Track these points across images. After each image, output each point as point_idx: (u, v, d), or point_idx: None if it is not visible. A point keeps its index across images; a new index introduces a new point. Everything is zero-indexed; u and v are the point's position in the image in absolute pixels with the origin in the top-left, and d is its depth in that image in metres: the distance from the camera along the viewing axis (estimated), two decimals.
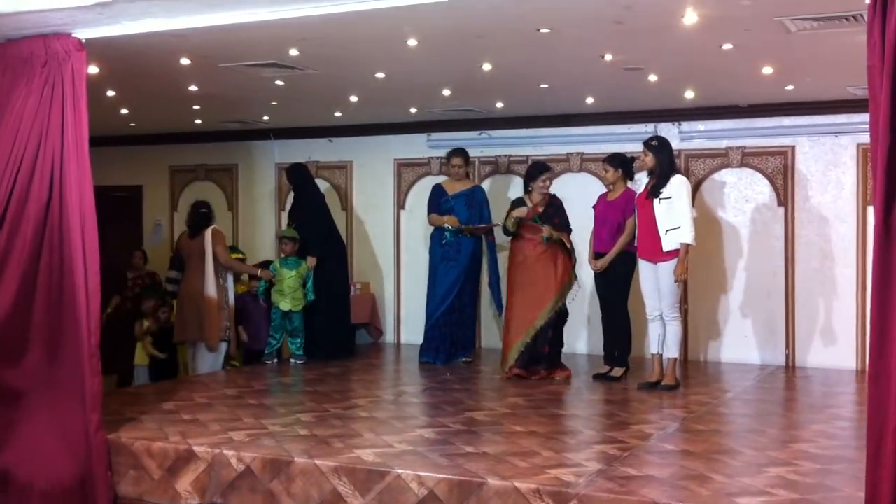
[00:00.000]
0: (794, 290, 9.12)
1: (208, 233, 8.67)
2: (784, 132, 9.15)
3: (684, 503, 4.36)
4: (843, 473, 5.00)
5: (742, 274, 9.31)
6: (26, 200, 5.74)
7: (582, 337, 9.72)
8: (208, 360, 8.64)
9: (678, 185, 7.48)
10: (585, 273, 8.53)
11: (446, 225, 9.03)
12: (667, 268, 7.47)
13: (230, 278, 8.83)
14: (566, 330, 8.30)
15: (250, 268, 9.34)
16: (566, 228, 8.16)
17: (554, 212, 8.16)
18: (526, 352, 8.00)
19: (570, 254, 8.11)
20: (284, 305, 9.04)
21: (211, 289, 8.57)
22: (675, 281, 7.48)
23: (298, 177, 9.79)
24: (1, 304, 5.70)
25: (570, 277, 8.10)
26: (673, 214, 7.43)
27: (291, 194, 10.19)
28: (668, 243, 7.44)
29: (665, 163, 7.57)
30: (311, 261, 9.18)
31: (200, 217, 8.87)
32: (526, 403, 7.05)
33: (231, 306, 8.81)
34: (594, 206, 8.26)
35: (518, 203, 8.32)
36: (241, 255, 9.73)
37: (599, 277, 8.08)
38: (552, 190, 8.34)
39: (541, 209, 8.11)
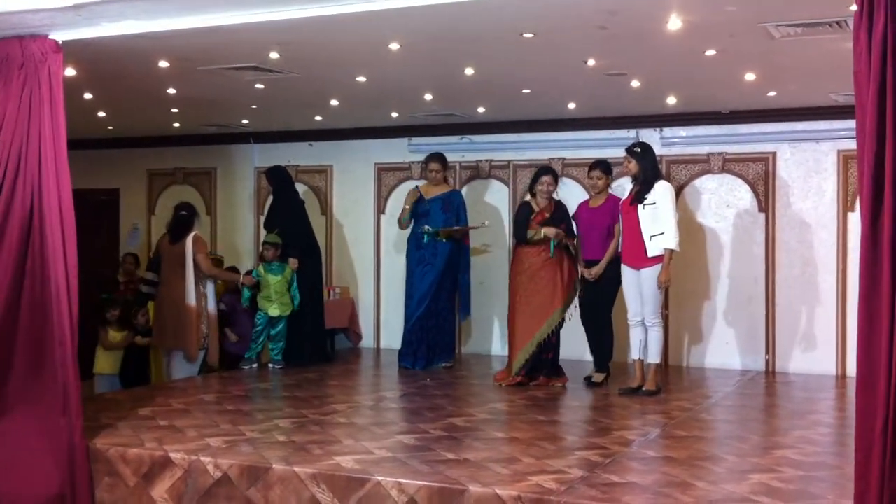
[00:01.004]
0: (774, 295, 9.13)
1: (189, 239, 8.53)
2: (765, 138, 9.17)
3: None
4: (827, 480, 4.98)
5: (723, 280, 9.31)
6: (11, 205, 5.67)
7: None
8: (185, 368, 8.53)
9: (662, 191, 7.47)
10: None
11: (426, 228, 8.99)
12: (650, 273, 7.46)
13: (210, 285, 8.67)
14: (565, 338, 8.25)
15: (233, 276, 9.19)
16: (571, 234, 8.08)
17: (560, 217, 8.10)
18: (531, 360, 7.94)
19: (575, 260, 8.06)
20: (273, 311, 8.95)
21: (191, 298, 8.43)
22: (659, 287, 7.46)
23: (278, 179, 9.73)
24: None
25: (575, 285, 8.04)
26: (657, 220, 7.41)
27: (270, 197, 10.11)
28: (653, 249, 7.42)
29: (649, 168, 7.56)
30: (294, 263, 9.11)
31: (181, 220, 8.74)
32: (507, 409, 7.00)
33: (211, 313, 8.66)
34: (575, 215, 8.22)
35: (524, 207, 8.22)
36: (218, 257, 9.61)
37: (589, 284, 8.03)
38: (557, 195, 8.28)
39: (548, 214, 8.05)
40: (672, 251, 7.41)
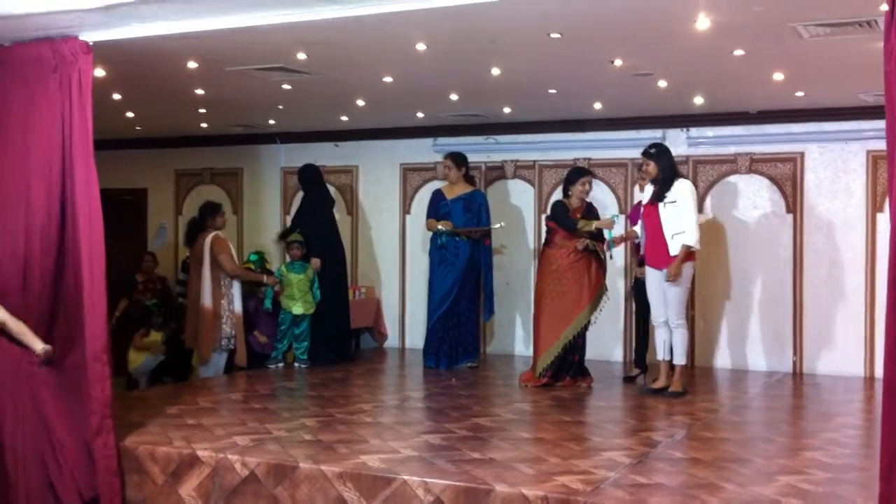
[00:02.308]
0: (802, 297, 9.07)
1: (207, 240, 8.56)
2: (793, 139, 9.10)
3: None
4: (855, 482, 4.95)
5: (750, 281, 9.25)
6: (49, 207, 5.75)
7: (618, 345, 9.73)
8: (210, 367, 8.58)
9: (682, 190, 7.44)
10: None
11: (440, 227, 9.01)
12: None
13: (236, 285, 8.68)
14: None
15: (257, 275, 9.15)
16: (600, 237, 8.04)
17: (591, 218, 8.05)
18: (556, 361, 7.92)
19: (603, 263, 8.03)
20: (297, 309, 8.99)
21: (206, 298, 8.45)
22: (668, 280, 7.39)
23: (305, 178, 9.76)
24: (30, 309, 5.73)
25: (602, 287, 8.01)
26: (678, 218, 7.38)
27: (300, 194, 10.14)
28: (675, 247, 7.39)
29: (667, 168, 7.53)
30: (316, 262, 9.15)
31: (192, 222, 8.89)
32: (532, 409, 7.00)
33: (237, 314, 8.67)
34: (632, 215, 8.16)
35: (557, 206, 8.15)
36: (262, 255, 9.60)
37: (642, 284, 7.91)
38: (560, 194, 8.30)
39: (579, 215, 8.04)
40: (689, 247, 7.35)
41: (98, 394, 5.59)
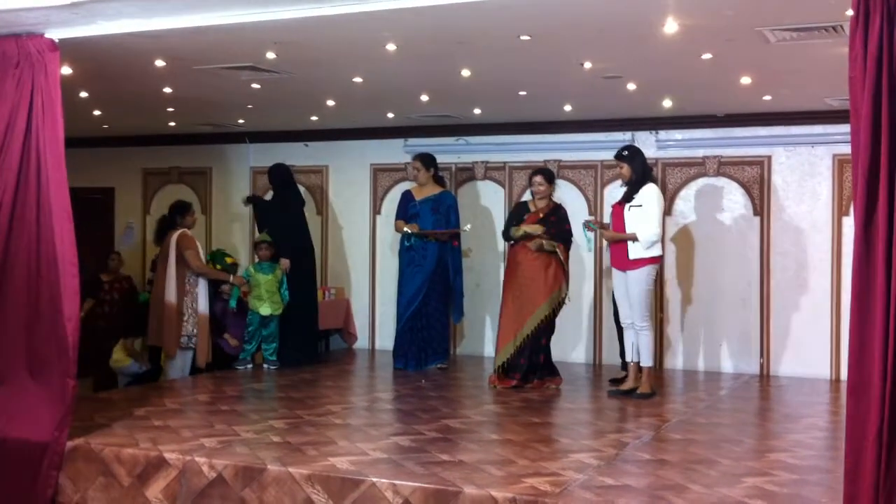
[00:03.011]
0: (769, 299, 9.15)
1: (174, 236, 8.53)
2: (761, 142, 9.19)
3: None
4: (821, 484, 4.99)
5: (717, 283, 9.32)
6: (14, 204, 5.69)
7: (580, 346, 9.76)
8: (176, 366, 8.52)
9: (649, 193, 7.48)
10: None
11: (406, 230, 9.00)
12: (635, 276, 7.46)
13: (202, 284, 8.64)
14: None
15: (222, 274, 9.08)
16: (562, 239, 8.05)
17: (556, 220, 8.08)
18: (517, 355, 7.94)
19: (562, 264, 8.00)
20: (265, 310, 8.95)
21: (171, 295, 8.40)
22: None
23: (276, 177, 9.71)
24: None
25: (560, 288, 8.01)
26: (641, 222, 7.42)
27: (269, 194, 10.08)
28: (634, 251, 7.43)
29: (638, 171, 7.58)
30: (285, 263, 9.11)
31: (161, 221, 8.87)
32: (502, 411, 7.00)
33: (201, 313, 8.60)
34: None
35: (520, 207, 8.27)
36: (233, 260, 9.54)
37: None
38: (556, 199, 8.32)
39: (542, 215, 8.06)
40: (634, 235, 7.37)
41: (67, 388, 5.58)
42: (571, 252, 8.23)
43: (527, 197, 8.71)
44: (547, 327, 8.01)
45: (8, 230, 5.72)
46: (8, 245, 5.73)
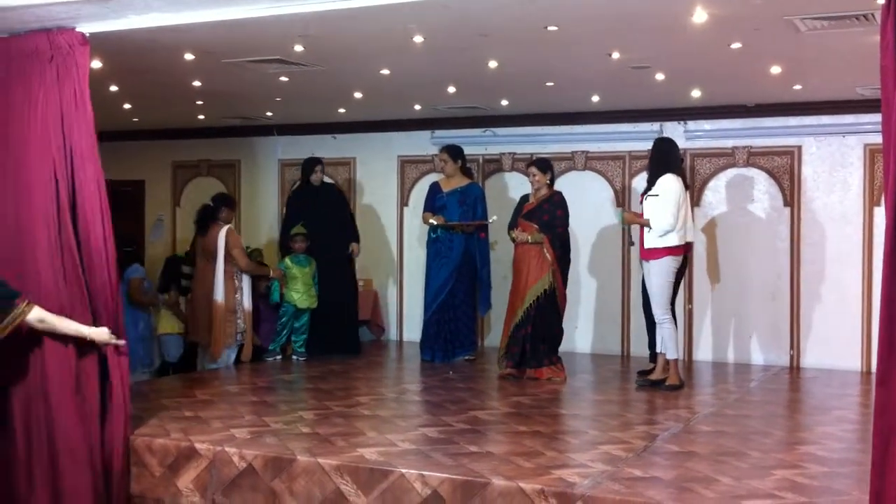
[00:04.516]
0: (799, 290, 9.08)
1: (222, 233, 8.52)
2: (791, 132, 9.10)
3: None
4: (851, 477, 4.95)
5: (747, 274, 9.26)
6: (59, 198, 5.72)
7: (608, 338, 9.73)
8: (220, 363, 8.54)
9: (665, 183, 7.42)
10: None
11: (431, 222, 9.01)
12: (654, 267, 7.43)
13: (246, 280, 8.66)
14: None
15: (266, 269, 9.12)
16: (548, 229, 7.95)
17: (549, 207, 8.06)
18: (513, 345, 7.98)
19: (555, 252, 7.93)
20: (302, 302, 9.02)
21: (219, 294, 8.42)
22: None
23: (305, 170, 9.71)
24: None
25: (544, 277, 7.93)
26: (656, 211, 7.40)
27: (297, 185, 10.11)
28: (649, 240, 7.41)
29: (654, 162, 7.58)
30: (356, 248, 9.35)
31: (205, 211, 8.76)
32: (530, 403, 7.00)
33: (247, 310, 8.65)
34: None
35: (522, 199, 8.33)
36: (256, 251, 9.59)
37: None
38: (558, 186, 8.30)
39: (534, 206, 8.06)
40: (648, 221, 7.38)
41: (118, 383, 5.57)
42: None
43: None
44: (537, 315, 7.93)
45: (67, 224, 5.71)
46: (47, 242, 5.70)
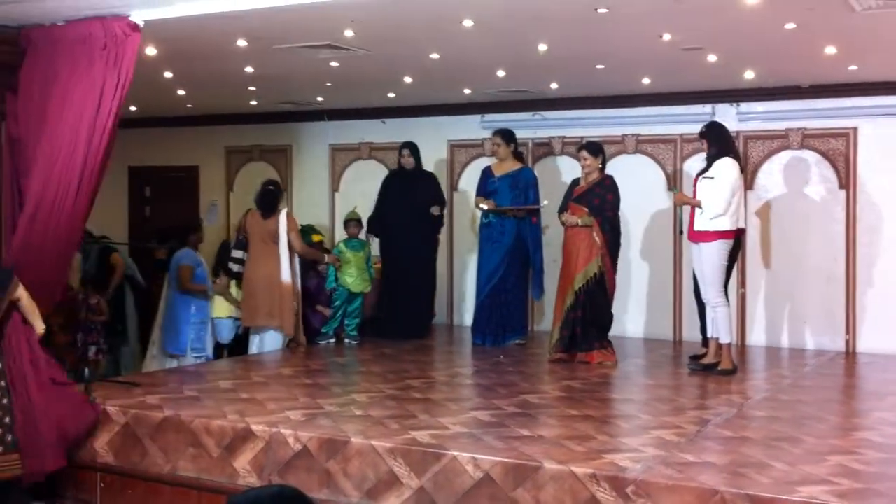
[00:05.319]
0: (854, 274, 8.95)
1: (283, 216, 8.54)
2: (846, 113, 8.95)
3: (745, 491, 4.30)
4: None
5: (801, 258, 9.14)
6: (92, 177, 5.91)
7: (661, 322, 9.68)
8: (279, 342, 8.59)
9: (721, 166, 7.36)
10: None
11: (482, 206, 9.02)
12: (706, 251, 7.36)
13: (298, 262, 8.73)
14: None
15: (321, 254, 9.21)
16: (598, 212, 7.94)
17: (600, 191, 8.03)
18: (564, 329, 7.99)
19: (597, 242, 7.90)
20: (356, 287, 9.08)
21: (286, 275, 8.45)
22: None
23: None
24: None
25: (594, 261, 7.92)
26: (709, 193, 7.33)
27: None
28: (700, 222, 7.35)
29: (713, 146, 7.52)
30: (436, 209, 9.40)
31: (270, 195, 8.69)
32: (581, 387, 7.00)
33: (299, 292, 8.72)
34: None
35: (572, 183, 8.31)
36: (320, 238, 9.67)
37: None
38: (608, 170, 8.26)
39: (584, 190, 8.05)
40: (699, 202, 7.32)
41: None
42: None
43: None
44: (586, 299, 7.93)
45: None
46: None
